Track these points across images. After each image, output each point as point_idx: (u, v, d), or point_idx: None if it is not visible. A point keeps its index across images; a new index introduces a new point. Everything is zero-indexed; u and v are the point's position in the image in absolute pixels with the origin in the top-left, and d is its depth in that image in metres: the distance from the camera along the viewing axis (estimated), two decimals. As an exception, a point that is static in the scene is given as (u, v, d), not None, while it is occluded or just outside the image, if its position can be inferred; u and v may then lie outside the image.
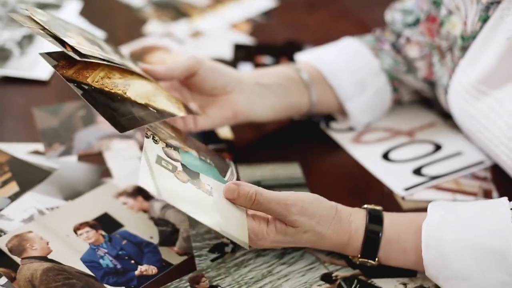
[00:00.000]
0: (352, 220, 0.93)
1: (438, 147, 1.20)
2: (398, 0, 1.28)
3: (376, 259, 0.93)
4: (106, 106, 0.88)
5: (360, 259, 0.93)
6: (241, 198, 0.89)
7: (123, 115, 0.88)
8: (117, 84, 0.93)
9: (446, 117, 1.25)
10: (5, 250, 0.94)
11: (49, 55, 0.89)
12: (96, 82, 0.90)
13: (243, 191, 0.89)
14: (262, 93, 1.12)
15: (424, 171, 1.14)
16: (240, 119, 1.09)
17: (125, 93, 0.92)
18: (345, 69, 1.19)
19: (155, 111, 0.94)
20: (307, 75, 1.17)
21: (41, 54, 0.89)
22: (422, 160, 1.17)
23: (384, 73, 1.21)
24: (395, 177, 1.13)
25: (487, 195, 1.10)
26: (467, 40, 1.08)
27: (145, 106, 0.93)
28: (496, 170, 1.14)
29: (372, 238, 0.92)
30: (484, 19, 1.04)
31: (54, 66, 0.88)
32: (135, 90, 0.95)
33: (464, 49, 1.08)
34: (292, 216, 0.89)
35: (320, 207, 0.92)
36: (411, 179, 1.13)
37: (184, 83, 1.08)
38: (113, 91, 0.91)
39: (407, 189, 1.10)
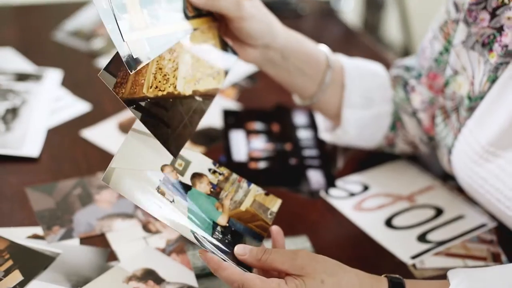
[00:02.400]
0: (372, 283, 0.91)
1: (439, 211, 1.20)
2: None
3: None
4: (161, 125, 0.93)
5: None
6: (252, 252, 0.91)
7: (175, 129, 0.94)
8: (168, 76, 0.95)
9: (444, 179, 1.26)
10: None
11: (107, 71, 0.89)
12: (151, 87, 0.92)
13: (252, 248, 0.92)
14: (279, 67, 1.16)
15: (429, 237, 1.14)
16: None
17: (175, 87, 0.95)
18: (363, 79, 1.21)
19: (201, 99, 0.98)
20: (330, 76, 1.18)
21: (100, 75, 0.89)
22: (426, 226, 1.16)
23: (392, 103, 1.22)
24: (400, 245, 1.12)
25: (496, 258, 1.10)
26: (474, 100, 1.08)
27: (192, 97, 0.97)
28: (501, 232, 1.15)
29: None
30: (493, 80, 1.05)
31: (114, 87, 0.89)
32: (184, 71, 0.97)
33: (471, 109, 1.09)
34: (300, 260, 0.89)
35: (329, 260, 0.92)
36: (417, 247, 1.12)
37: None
38: (165, 92, 0.94)
39: (413, 257, 1.10)
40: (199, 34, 1.03)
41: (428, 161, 1.30)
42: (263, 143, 1.35)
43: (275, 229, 0.97)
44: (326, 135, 1.28)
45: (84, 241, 1.08)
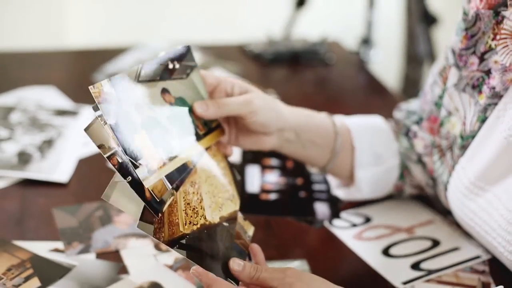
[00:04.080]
0: None
1: (436, 243, 1.26)
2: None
3: None
4: (205, 257, 0.98)
5: None
6: (245, 270, 0.99)
7: (216, 257, 0.99)
8: (196, 208, 1.00)
9: (445, 215, 1.32)
10: None
11: (143, 221, 0.93)
12: (185, 224, 0.98)
13: (245, 264, 1.00)
14: (294, 144, 1.22)
15: (423, 265, 1.20)
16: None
17: (205, 217, 1.01)
18: (370, 138, 1.29)
19: (227, 224, 1.04)
20: (340, 141, 1.26)
21: (138, 227, 0.93)
22: (421, 255, 1.23)
23: (399, 155, 1.30)
24: (394, 272, 1.18)
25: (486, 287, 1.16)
26: (466, 139, 1.16)
27: (221, 224, 1.03)
28: (493, 264, 1.20)
29: None
30: (482, 120, 1.13)
31: (154, 234, 0.93)
32: (207, 200, 1.03)
33: (463, 147, 1.17)
34: (288, 278, 0.96)
35: (315, 278, 0.99)
36: (410, 274, 1.18)
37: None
38: (199, 225, 0.99)
39: (405, 282, 1.16)
40: (210, 159, 1.08)
41: (432, 197, 1.37)
42: (276, 177, 1.44)
43: (254, 247, 1.06)
44: (339, 192, 1.35)
45: (100, 256, 1.18)
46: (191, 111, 1.08)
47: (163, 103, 1.03)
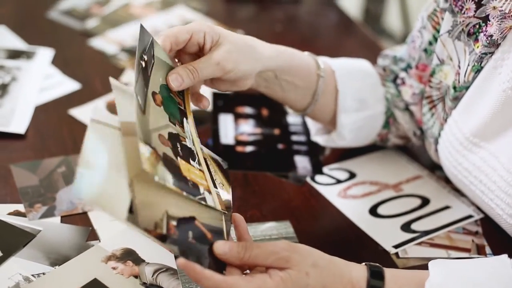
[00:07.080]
0: (351, 270, 0.91)
1: (425, 201, 1.19)
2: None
3: None
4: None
5: None
6: (232, 251, 0.88)
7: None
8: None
9: (432, 169, 1.25)
10: (-9, 322, 0.89)
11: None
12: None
13: (231, 245, 0.89)
14: (272, 84, 1.12)
15: (414, 226, 1.13)
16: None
17: None
18: (355, 81, 1.19)
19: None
20: (322, 84, 1.15)
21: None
22: (410, 215, 1.16)
23: (385, 102, 1.21)
24: (384, 233, 1.11)
25: (480, 250, 1.09)
26: (459, 90, 1.08)
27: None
28: (486, 224, 1.14)
29: None
30: (477, 70, 1.04)
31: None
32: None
33: (456, 99, 1.08)
34: (284, 252, 0.87)
35: (310, 250, 0.90)
36: (400, 236, 1.11)
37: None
38: None
39: (396, 246, 1.09)
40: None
41: (417, 151, 1.30)
42: (252, 127, 1.34)
43: (237, 217, 0.96)
44: (318, 138, 1.26)
45: (66, 219, 1.07)
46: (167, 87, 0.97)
47: (159, 111, 0.92)
